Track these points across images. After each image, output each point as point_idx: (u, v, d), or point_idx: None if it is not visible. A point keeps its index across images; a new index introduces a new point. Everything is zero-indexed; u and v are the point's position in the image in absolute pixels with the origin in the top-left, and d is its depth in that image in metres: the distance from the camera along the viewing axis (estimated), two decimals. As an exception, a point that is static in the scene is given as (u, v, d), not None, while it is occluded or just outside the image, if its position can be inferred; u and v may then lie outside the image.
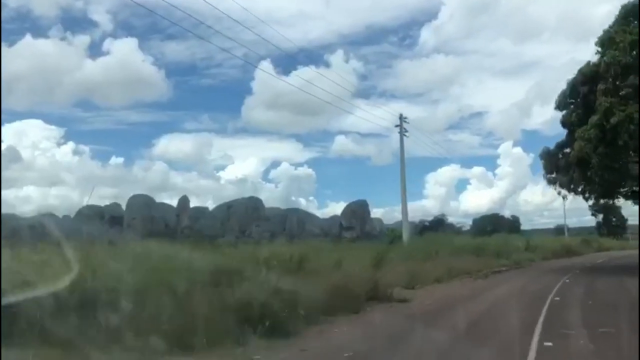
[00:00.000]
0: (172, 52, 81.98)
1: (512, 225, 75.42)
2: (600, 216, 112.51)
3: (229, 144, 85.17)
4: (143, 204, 49.89)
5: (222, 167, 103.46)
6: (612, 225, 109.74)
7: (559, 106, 23.73)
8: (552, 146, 25.06)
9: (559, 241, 49.77)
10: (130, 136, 79.91)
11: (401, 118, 35.28)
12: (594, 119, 20.71)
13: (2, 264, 5.84)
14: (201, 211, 51.39)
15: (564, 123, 23.66)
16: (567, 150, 24.04)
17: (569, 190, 25.38)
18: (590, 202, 25.85)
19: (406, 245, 28.37)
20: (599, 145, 20.66)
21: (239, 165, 76.79)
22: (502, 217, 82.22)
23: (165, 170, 72.90)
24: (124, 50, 71.43)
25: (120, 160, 79.21)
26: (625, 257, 44.04)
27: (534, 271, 25.39)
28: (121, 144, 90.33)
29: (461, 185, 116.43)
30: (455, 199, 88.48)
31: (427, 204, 77.79)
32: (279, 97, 64.69)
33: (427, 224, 40.91)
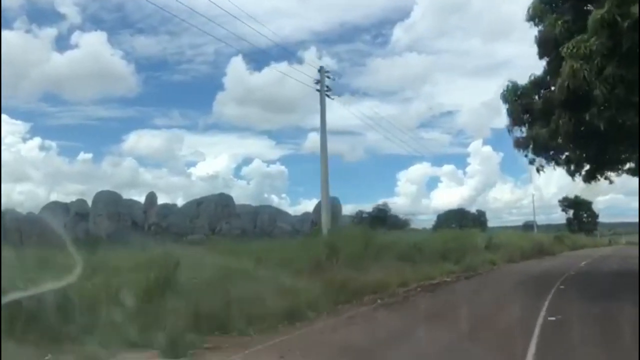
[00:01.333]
0: (142, 46, 79.41)
1: (477, 220, 70.61)
2: (571, 212, 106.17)
3: (200, 140, 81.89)
4: (109, 201, 48.21)
5: (193, 164, 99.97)
6: (582, 221, 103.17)
7: (534, 16, 14.34)
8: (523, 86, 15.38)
9: (529, 238, 40.94)
10: (99, 132, 75.80)
11: (322, 71, 25.38)
12: (597, 14, 11.35)
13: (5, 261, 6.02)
14: (170, 208, 50.35)
15: (542, 42, 14.20)
16: (547, 91, 14.70)
17: (549, 157, 15.96)
18: (578, 178, 16.47)
19: (312, 242, 18.58)
20: (607, 63, 11.33)
21: (210, 162, 73.74)
22: (468, 212, 77.76)
23: (134, 167, 68.83)
24: (93, 44, 67.25)
25: (89, 156, 73.23)
26: (610, 256, 35.63)
27: (491, 286, 15.96)
28: (90, 140, 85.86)
29: (432, 183, 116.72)
30: (427, 196, 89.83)
31: (398, 201, 76.99)
32: (251, 94, 64.42)
33: (365, 215, 31.43)
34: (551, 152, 16.37)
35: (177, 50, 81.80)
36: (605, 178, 18.19)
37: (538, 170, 16.25)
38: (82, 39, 76.22)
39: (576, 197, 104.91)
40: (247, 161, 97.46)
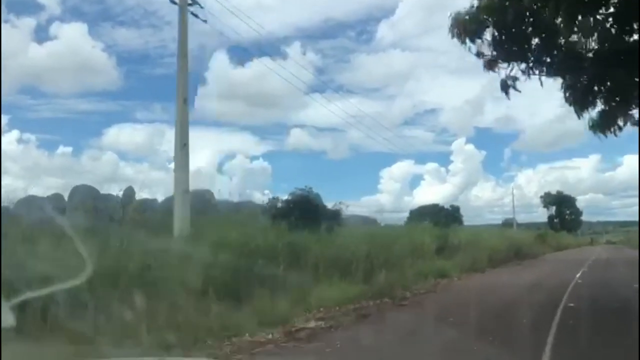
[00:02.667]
0: (124, 39, 78.07)
1: (451, 217, 64.33)
2: (553, 209, 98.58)
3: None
4: (87, 195, 41.03)
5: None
6: (565, 219, 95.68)
7: None
8: None
9: (506, 237, 32.31)
10: (79, 125, 74.79)
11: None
12: None
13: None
14: (149, 203, 42.99)
15: None
16: None
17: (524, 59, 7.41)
18: (591, 108, 8.14)
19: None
20: None
21: (192, 157, 64.68)
22: (442, 207, 72.15)
23: (115, 161, 68.17)
24: (73, 36, 64.89)
25: (68, 149, 71.53)
26: (609, 261, 26.99)
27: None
28: (69, 133, 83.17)
29: (415, 180, 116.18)
30: (409, 194, 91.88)
31: (381, 198, 74.39)
32: (234, 89, 65.27)
33: (282, 204, 22.51)
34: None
35: (160, 44, 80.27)
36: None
37: (507, 89, 7.61)
38: (61, 30, 74.94)
39: (559, 192, 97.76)
40: (229, 157, 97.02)
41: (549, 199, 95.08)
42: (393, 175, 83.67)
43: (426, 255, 18.70)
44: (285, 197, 23.17)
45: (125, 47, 79.56)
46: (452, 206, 79.57)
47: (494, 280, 16.61)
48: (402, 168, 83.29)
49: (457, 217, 67.48)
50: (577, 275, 17.07)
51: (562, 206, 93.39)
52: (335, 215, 25.36)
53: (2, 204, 12.41)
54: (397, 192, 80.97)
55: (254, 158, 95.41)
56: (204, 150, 79.01)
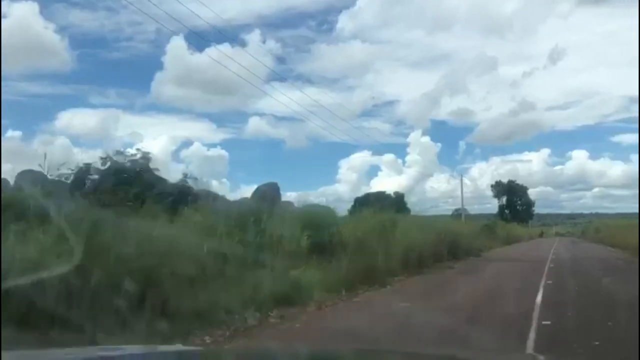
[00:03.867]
0: (78, 21, 78.30)
1: (396, 204, 59.89)
2: (504, 198, 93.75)
3: (138, 121, 78.23)
4: (34, 181, 33.30)
5: (130, 145, 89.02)
6: (517, 209, 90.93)
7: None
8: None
9: (445, 228, 24.56)
10: (30, 109, 71.24)
11: None
12: None
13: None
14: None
15: None
16: None
17: None
18: None
19: None
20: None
21: (148, 144, 70.11)
22: (388, 195, 67.91)
23: (67, 146, 60.66)
24: (23, 15, 60.17)
25: (18, 133, 64.78)
26: (578, 261, 20.09)
27: None
28: (19, 117, 78.73)
29: (372, 171, 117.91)
30: (367, 184, 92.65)
31: (339, 188, 75.26)
32: (192, 75, 63.37)
33: (93, 176, 14.21)
34: None
35: (116, 27, 79.71)
36: None
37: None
38: (11, 9, 67.73)
39: (510, 181, 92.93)
40: (186, 144, 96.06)
41: (499, 188, 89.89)
42: (351, 165, 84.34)
43: (289, 255, 10.88)
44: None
45: (79, 29, 79.08)
46: (396, 193, 74.89)
47: (363, 318, 8.49)
48: (360, 159, 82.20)
49: (402, 205, 62.87)
50: (538, 301, 9.47)
51: (513, 196, 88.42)
52: (181, 193, 17.14)
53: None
54: (355, 182, 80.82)
55: (211, 146, 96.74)
56: (160, 137, 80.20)
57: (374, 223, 15.60)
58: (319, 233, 13.07)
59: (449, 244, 21.71)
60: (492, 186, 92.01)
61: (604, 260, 19.81)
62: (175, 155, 79.55)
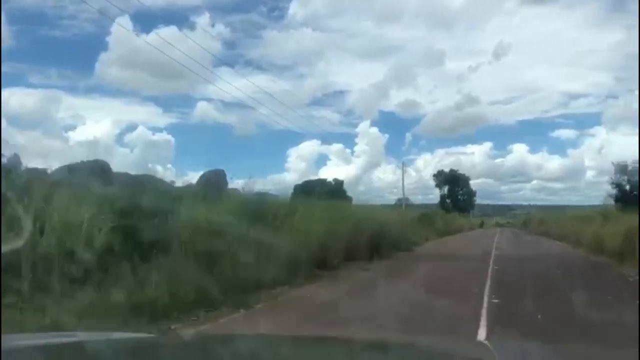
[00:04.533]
0: None
1: (334, 191, 56.86)
2: (446, 188, 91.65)
3: (81, 103, 77.40)
4: None
5: (72, 128, 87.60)
6: (458, 199, 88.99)
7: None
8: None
9: (364, 216, 19.94)
10: None
11: None
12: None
13: None
14: (37, 173, 26.98)
15: None
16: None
17: None
18: None
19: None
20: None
21: (91, 127, 67.19)
22: (327, 182, 64.74)
23: (4, 127, 46.30)
24: None
25: None
26: (531, 258, 16.34)
27: None
28: None
29: (321, 160, 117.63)
30: (315, 173, 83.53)
31: (288, 177, 71.73)
32: (138, 57, 58.19)
33: None
34: None
35: (57, 4, 71.22)
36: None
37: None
38: None
39: (452, 171, 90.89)
40: (131, 128, 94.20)
41: (441, 178, 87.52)
42: (300, 154, 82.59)
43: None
44: None
45: (17, 3, 70.20)
46: (335, 180, 71.42)
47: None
48: (309, 147, 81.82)
49: (340, 192, 59.41)
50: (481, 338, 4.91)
51: (455, 185, 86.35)
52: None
53: None
54: (304, 171, 78.54)
55: (156, 130, 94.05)
56: (104, 120, 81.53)
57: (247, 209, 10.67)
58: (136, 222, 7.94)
59: (371, 237, 17.10)
60: (434, 175, 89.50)
61: (559, 259, 15.83)
62: (119, 139, 79.15)
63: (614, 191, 41.73)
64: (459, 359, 1.87)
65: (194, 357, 1.64)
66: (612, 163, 42.08)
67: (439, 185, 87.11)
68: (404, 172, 62.58)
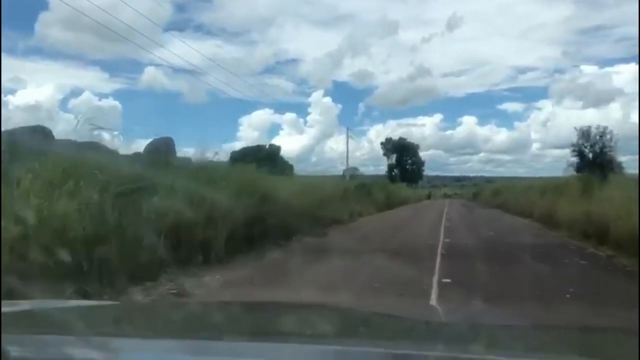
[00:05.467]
0: None
1: (268, 158, 52.54)
2: (394, 157, 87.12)
3: (20, 65, 66.95)
4: None
5: (12, 92, 77.46)
6: (406, 169, 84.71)
7: None
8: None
9: (275, 188, 14.05)
10: None
11: None
12: None
13: None
14: None
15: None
16: None
17: None
18: None
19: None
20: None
21: (32, 91, 66.04)
22: (263, 148, 59.68)
23: None
24: None
25: None
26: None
27: None
28: None
29: (274, 129, 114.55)
30: (268, 143, 65.31)
31: (239, 146, 64.33)
32: (81, 18, 34.04)
33: None
34: None
35: None
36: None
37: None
38: None
39: (401, 139, 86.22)
40: (75, 93, 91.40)
41: (389, 146, 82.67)
42: (252, 123, 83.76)
43: None
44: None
45: None
46: (271, 146, 67.83)
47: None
48: (261, 116, 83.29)
49: (274, 159, 55.48)
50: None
51: (403, 154, 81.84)
52: None
53: None
54: (256, 140, 76.50)
55: (102, 96, 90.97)
56: (46, 84, 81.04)
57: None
58: None
59: (268, 216, 11.10)
60: (382, 143, 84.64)
61: (539, 248, 10.33)
62: (63, 104, 76.31)
63: (575, 159, 37.46)
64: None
65: (152, 323, 1.62)
66: (575, 128, 37.65)
67: (386, 154, 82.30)
68: (348, 139, 58.17)
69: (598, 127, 39.06)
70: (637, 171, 25.71)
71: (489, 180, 70.63)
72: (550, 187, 21.85)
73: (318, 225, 14.62)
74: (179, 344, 1.15)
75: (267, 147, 61.79)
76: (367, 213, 22.44)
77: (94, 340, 1.04)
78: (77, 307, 1.76)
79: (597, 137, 37.80)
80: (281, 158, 67.40)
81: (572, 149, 38.00)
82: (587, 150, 37.59)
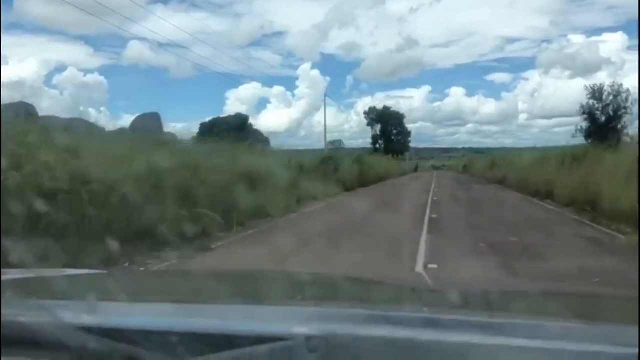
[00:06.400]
0: None
1: (237, 128, 50.22)
2: (378, 127, 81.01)
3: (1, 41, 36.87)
4: None
5: None
6: (392, 140, 78.72)
7: None
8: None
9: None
10: None
11: None
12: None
13: None
14: None
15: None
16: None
17: None
18: None
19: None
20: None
21: (14, 67, 58.33)
22: (230, 118, 57.18)
23: None
24: None
25: None
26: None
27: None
28: None
29: (262, 104, 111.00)
30: (256, 117, 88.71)
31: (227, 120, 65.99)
32: None
33: None
34: None
35: None
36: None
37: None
38: None
39: (385, 107, 79.93)
40: (60, 68, 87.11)
41: (373, 115, 76.41)
42: (239, 97, 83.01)
43: None
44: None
45: None
46: (238, 114, 64.42)
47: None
48: (249, 90, 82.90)
49: (242, 129, 52.29)
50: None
51: (388, 125, 75.67)
52: None
53: None
54: (244, 114, 64.80)
55: (88, 72, 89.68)
56: (29, 59, 75.98)
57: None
58: None
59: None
60: (365, 113, 78.40)
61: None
62: (48, 80, 77.35)
63: (584, 124, 31.60)
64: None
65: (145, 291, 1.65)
66: (586, 87, 31.63)
67: (370, 124, 76.15)
68: (326, 109, 53.75)
69: (613, 84, 32.70)
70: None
71: (477, 151, 70.19)
72: (566, 157, 15.98)
73: (228, 222, 8.77)
74: (171, 307, 1.17)
75: (234, 116, 57.00)
76: (327, 196, 16.43)
77: (87, 304, 1.08)
78: (74, 275, 1.77)
79: (611, 98, 31.69)
80: (257, 132, 63.37)
81: (582, 111, 31.98)
82: (598, 113, 31.51)
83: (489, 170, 29.27)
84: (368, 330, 0.90)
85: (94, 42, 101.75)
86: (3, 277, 1.44)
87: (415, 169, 62.23)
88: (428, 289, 1.76)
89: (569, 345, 0.83)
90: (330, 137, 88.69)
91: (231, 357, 0.82)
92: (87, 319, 0.94)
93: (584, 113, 31.11)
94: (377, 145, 76.65)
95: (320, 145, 51.94)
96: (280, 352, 0.82)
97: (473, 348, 0.84)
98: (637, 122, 27.19)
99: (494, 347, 0.84)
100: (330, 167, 22.55)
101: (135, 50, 79.32)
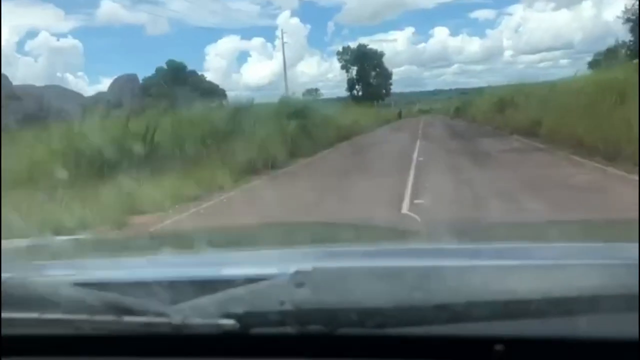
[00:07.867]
0: None
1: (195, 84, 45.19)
2: (354, 70, 70.90)
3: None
4: None
5: None
6: (371, 84, 68.89)
7: None
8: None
9: None
10: None
11: None
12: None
13: None
14: None
15: None
16: None
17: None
18: None
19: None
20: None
21: None
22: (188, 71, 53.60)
23: None
24: None
25: None
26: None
27: None
28: None
29: (242, 57, 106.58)
30: (237, 71, 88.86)
31: (208, 76, 63.27)
32: None
33: None
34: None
35: None
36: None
37: None
38: None
39: (360, 45, 69.45)
40: (31, 34, 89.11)
41: (347, 55, 66.05)
42: (219, 52, 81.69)
43: None
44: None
45: None
46: (170, 62, 58.49)
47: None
48: (228, 44, 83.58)
49: (197, 83, 46.01)
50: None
51: (365, 66, 65.62)
52: None
53: None
54: (225, 69, 78.12)
55: (61, 35, 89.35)
56: None
57: None
58: None
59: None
60: (338, 53, 68.00)
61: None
62: (20, 47, 74.77)
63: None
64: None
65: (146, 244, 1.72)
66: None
67: (345, 67, 66.13)
68: (284, 49, 44.71)
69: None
70: None
71: (463, 92, 61.83)
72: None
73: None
74: (160, 259, 1.21)
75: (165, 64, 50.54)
76: (223, 187, 7.41)
77: (78, 262, 1.15)
78: (66, 240, 1.85)
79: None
80: (208, 82, 57.44)
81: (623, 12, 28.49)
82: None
83: (497, 113, 20.12)
84: (357, 262, 0.91)
85: (64, 3, 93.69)
86: (4, 247, 1.49)
87: (399, 116, 52.53)
88: (420, 228, 1.84)
89: (569, 261, 0.83)
90: (314, 86, 78.92)
91: (216, 300, 0.80)
92: (78, 276, 0.96)
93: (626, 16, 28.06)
94: (355, 92, 66.91)
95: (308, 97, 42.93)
96: (267, 290, 0.81)
97: (469, 270, 0.83)
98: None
99: (491, 267, 0.84)
100: (243, 127, 13.43)
101: (108, 10, 75.33)
